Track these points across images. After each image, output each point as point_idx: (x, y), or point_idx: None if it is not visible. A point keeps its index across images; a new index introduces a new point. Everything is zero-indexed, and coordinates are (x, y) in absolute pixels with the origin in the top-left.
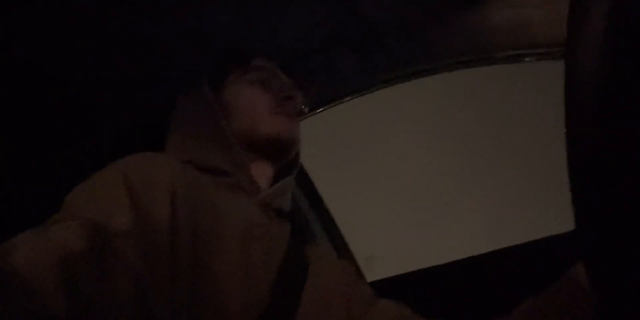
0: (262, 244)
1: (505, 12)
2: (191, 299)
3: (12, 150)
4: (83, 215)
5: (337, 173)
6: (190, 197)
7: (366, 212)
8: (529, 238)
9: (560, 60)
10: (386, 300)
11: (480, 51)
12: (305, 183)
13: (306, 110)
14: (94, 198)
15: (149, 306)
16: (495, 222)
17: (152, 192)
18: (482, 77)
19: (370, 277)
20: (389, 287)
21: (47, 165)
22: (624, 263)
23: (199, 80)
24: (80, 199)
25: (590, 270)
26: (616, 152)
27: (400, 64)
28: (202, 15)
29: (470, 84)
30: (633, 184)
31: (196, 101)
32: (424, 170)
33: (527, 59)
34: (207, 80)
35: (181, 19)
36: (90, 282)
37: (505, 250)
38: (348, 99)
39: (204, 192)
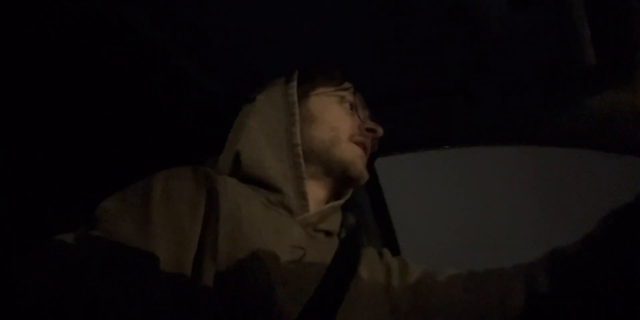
0: (305, 265)
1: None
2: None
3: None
4: (110, 228)
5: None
6: (226, 215)
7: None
8: None
9: None
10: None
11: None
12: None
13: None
14: (124, 212)
15: None
16: None
17: (185, 208)
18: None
19: None
20: None
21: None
22: None
23: (282, 78)
24: (110, 211)
25: None
26: None
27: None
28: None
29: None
30: None
31: (275, 100)
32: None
33: None
34: (295, 81)
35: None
36: (109, 297)
37: None
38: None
39: (244, 209)
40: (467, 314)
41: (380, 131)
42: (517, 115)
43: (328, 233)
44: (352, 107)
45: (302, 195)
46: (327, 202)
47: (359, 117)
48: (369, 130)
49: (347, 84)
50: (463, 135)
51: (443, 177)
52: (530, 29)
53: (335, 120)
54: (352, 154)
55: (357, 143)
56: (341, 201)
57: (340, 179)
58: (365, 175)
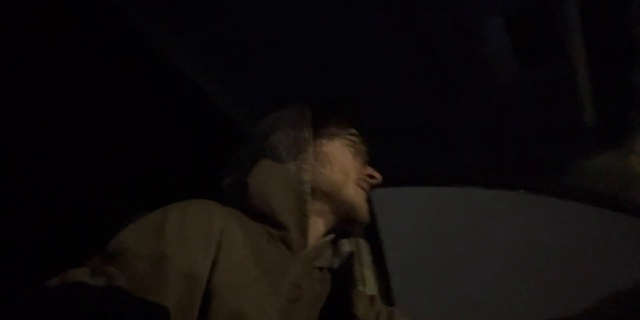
0: (302, 302)
1: None
2: None
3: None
4: (124, 264)
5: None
6: (236, 252)
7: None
8: None
9: None
10: None
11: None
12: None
13: None
14: (138, 249)
15: None
16: None
17: (198, 244)
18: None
19: None
20: None
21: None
22: None
23: (296, 110)
24: (125, 247)
25: None
26: None
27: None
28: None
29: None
30: None
31: (288, 135)
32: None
33: None
34: (310, 116)
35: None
36: None
37: None
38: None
39: (253, 245)
40: None
41: (379, 178)
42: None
43: (321, 268)
44: (357, 153)
45: (304, 233)
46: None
47: (362, 163)
48: (370, 176)
49: (356, 124)
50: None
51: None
52: (538, 85)
53: (347, 164)
54: (360, 197)
55: (361, 187)
56: (332, 235)
57: (344, 219)
58: (369, 219)
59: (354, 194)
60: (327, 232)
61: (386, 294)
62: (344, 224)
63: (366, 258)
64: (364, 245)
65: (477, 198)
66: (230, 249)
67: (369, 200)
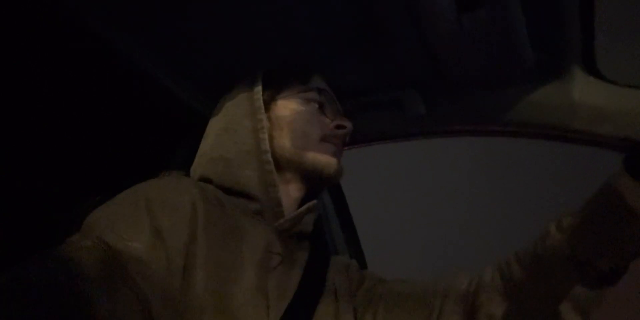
0: (277, 274)
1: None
2: None
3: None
4: (101, 237)
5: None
6: (211, 224)
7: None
8: None
9: None
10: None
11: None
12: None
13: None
14: (113, 222)
15: None
16: None
17: (172, 218)
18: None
19: None
20: None
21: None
22: None
23: (248, 81)
24: (101, 221)
25: None
26: None
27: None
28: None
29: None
30: None
31: (241, 106)
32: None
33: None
34: (260, 85)
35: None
36: (97, 304)
37: None
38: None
39: (226, 218)
40: (407, 298)
41: (349, 126)
42: (468, 108)
43: (301, 233)
44: (321, 107)
45: (277, 203)
46: (302, 201)
47: (328, 115)
48: (338, 127)
49: (313, 83)
50: (416, 128)
51: (398, 169)
52: (476, 28)
53: (305, 124)
54: (325, 156)
55: (329, 141)
56: (314, 201)
57: (315, 180)
58: (341, 172)
59: (319, 155)
60: (303, 196)
61: (357, 255)
62: (317, 184)
63: (334, 220)
64: (330, 207)
65: (428, 148)
66: (206, 223)
67: (338, 154)
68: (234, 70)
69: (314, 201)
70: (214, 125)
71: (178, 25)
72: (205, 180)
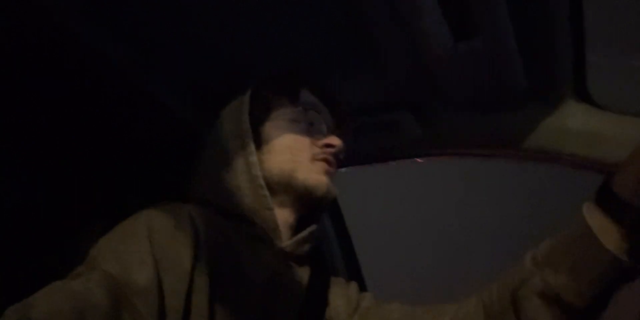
0: (283, 294)
1: (581, 118)
2: None
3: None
4: (107, 270)
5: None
6: (213, 250)
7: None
8: None
9: None
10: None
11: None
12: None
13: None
14: (117, 253)
15: None
16: None
17: (175, 247)
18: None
19: None
20: None
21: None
22: None
23: (237, 101)
24: (105, 254)
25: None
26: None
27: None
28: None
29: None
30: None
31: (230, 128)
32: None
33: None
34: (247, 108)
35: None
36: None
37: None
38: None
39: (228, 243)
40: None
41: (338, 144)
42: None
43: (302, 256)
44: (310, 126)
45: (274, 226)
46: (296, 223)
47: (317, 134)
48: (327, 145)
49: (303, 97)
50: (413, 148)
51: (397, 189)
52: (472, 55)
53: (293, 145)
54: (315, 177)
55: (320, 160)
56: (315, 226)
57: (310, 202)
58: (333, 193)
59: (309, 176)
60: (298, 217)
61: (356, 276)
62: (312, 205)
63: (334, 241)
64: (330, 228)
65: (423, 169)
66: (208, 249)
67: (331, 173)
68: (227, 82)
69: (315, 225)
70: (208, 146)
71: (173, 37)
72: (204, 203)
